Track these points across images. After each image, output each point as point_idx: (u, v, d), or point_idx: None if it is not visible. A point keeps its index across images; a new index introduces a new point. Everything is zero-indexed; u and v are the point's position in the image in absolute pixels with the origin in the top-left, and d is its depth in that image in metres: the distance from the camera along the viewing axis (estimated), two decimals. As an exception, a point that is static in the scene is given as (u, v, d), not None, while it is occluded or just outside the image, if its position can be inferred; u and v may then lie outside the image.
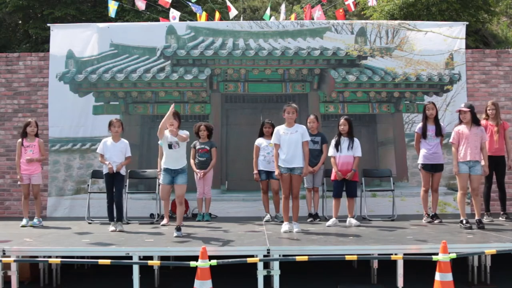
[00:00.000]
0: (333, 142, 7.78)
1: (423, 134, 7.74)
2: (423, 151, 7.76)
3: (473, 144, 7.06)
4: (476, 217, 7.07)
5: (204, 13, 13.35)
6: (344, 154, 7.64)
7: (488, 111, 7.99)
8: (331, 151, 7.76)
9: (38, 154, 7.97)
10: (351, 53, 9.48)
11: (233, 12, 13.21)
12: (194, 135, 8.46)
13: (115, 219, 7.33)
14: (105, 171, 7.37)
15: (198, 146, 8.38)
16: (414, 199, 8.86)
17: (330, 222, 7.53)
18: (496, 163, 7.83)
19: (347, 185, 7.66)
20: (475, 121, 7.18)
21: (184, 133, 6.72)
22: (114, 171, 7.28)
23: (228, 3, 13.53)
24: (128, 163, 7.53)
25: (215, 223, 8.07)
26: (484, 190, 8.02)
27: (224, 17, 14.97)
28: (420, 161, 7.81)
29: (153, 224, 8.04)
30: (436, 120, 7.81)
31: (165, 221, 7.87)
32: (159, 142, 6.92)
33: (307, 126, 7.66)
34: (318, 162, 8.08)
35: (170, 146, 6.72)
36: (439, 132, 7.72)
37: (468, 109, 7.13)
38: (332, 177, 7.76)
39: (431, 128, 7.74)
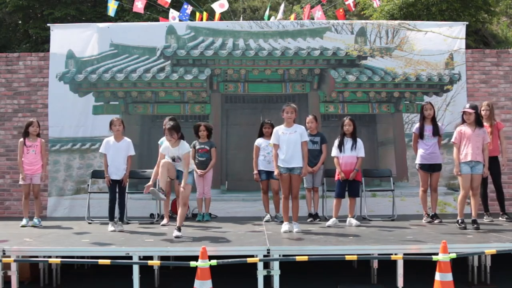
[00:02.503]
0: (336, 142, 7.76)
1: (421, 134, 7.76)
2: (420, 151, 7.78)
3: (475, 145, 7.04)
4: (472, 217, 7.04)
5: (204, 13, 13.33)
6: (347, 155, 7.62)
7: (482, 112, 7.94)
8: (334, 151, 7.73)
9: (40, 154, 7.96)
10: (351, 53, 9.47)
11: (221, 9, 13.14)
12: (193, 135, 8.47)
13: (115, 219, 7.34)
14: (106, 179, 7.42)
15: (197, 146, 8.38)
16: (414, 199, 8.83)
17: (330, 222, 7.53)
18: (490, 164, 7.80)
19: (349, 185, 7.65)
20: (479, 123, 7.18)
21: (185, 152, 6.58)
22: (111, 182, 7.37)
23: (225, 2, 13.47)
24: (130, 165, 7.53)
25: (215, 223, 8.07)
26: (481, 191, 7.99)
27: (224, 17, 14.95)
28: (418, 161, 7.82)
29: (153, 224, 8.04)
30: (434, 120, 7.83)
31: (165, 221, 7.89)
32: (159, 142, 6.82)
33: (305, 127, 7.66)
34: (318, 162, 8.09)
35: (173, 160, 6.68)
36: (436, 132, 7.73)
37: (473, 111, 7.13)
38: (336, 177, 7.75)
39: (428, 128, 7.75)
